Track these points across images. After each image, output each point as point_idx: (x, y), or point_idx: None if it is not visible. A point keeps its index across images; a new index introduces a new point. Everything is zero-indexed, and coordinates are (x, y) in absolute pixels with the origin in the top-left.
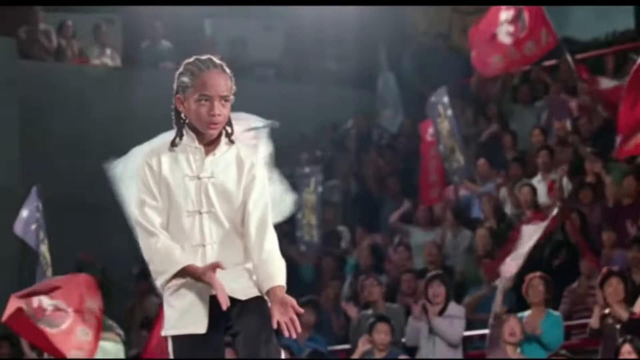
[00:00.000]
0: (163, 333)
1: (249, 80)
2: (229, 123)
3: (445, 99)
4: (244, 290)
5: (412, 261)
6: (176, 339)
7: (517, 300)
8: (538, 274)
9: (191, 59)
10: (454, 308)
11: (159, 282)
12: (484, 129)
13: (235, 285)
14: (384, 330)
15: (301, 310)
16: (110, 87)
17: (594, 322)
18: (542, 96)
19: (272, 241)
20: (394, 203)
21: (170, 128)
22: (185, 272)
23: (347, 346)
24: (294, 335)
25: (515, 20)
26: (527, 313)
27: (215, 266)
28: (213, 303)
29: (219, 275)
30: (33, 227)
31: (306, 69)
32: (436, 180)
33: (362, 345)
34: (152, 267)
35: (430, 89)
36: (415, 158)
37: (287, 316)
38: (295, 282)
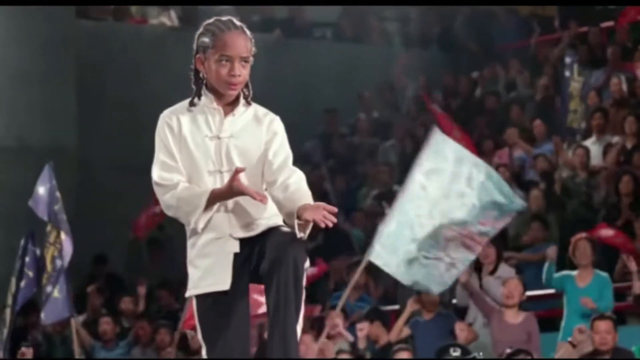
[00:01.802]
0: (187, 294)
1: (307, 41)
2: (247, 85)
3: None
4: (264, 227)
5: None
6: (200, 298)
7: (567, 262)
8: (584, 235)
9: (211, 20)
10: (505, 269)
11: (193, 222)
12: (541, 91)
13: (254, 231)
14: None
15: (334, 208)
16: (168, 47)
17: (636, 288)
18: (600, 58)
19: (297, 180)
20: None
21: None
22: (214, 199)
23: (396, 307)
24: (330, 224)
25: None
26: (574, 273)
27: (236, 173)
28: (236, 261)
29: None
30: (56, 207)
31: (364, 29)
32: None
33: (411, 306)
34: (182, 213)
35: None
36: (470, 116)
37: (319, 214)
38: (346, 247)
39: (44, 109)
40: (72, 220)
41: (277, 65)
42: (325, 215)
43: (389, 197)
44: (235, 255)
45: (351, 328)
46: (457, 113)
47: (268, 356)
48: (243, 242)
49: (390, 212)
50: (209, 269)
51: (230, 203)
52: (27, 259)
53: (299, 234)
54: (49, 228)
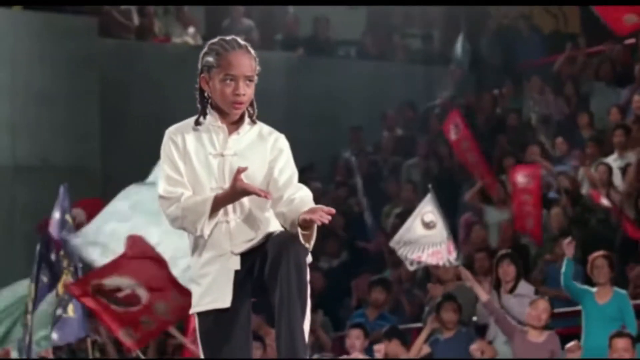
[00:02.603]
0: (190, 311)
1: (331, 59)
2: (252, 104)
3: None
4: (262, 235)
5: (487, 239)
6: (202, 315)
7: (584, 279)
8: (601, 253)
9: (216, 39)
10: (524, 287)
11: (199, 230)
12: (563, 108)
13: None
14: (452, 309)
15: (332, 210)
16: (191, 65)
17: None
18: (623, 74)
19: (303, 195)
20: (473, 182)
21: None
22: (218, 204)
23: (419, 324)
24: (326, 220)
25: None
26: (594, 289)
27: (238, 173)
28: (237, 278)
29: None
30: (63, 232)
31: (388, 47)
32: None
33: (431, 324)
34: (187, 222)
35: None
36: (492, 135)
37: (317, 213)
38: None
39: (68, 129)
40: None
41: (300, 83)
42: (322, 215)
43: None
44: (236, 272)
45: (370, 347)
46: (478, 130)
47: (277, 354)
48: (244, 258)
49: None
50: (210, 287)
51: (231, 220)
52: (42, 264)
53: (305, 245)
54: (62, 252)
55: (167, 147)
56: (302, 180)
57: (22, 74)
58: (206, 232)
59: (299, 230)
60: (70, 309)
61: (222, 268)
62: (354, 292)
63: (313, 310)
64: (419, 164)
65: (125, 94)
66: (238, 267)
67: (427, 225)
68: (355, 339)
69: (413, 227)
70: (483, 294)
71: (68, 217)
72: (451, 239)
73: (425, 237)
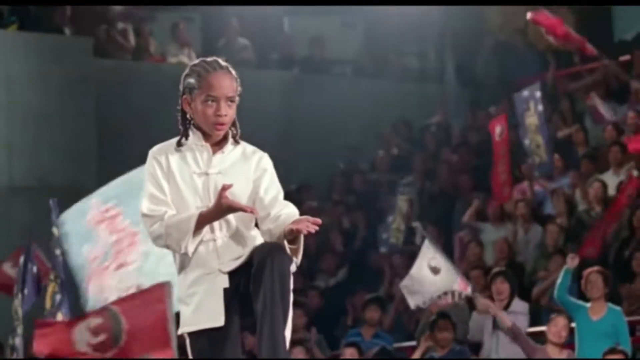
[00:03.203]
0: (180, 331)
1: (326, 78)
2: (234, 124)
3: (538, 94)
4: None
5: (483, 257)
6: (193, 335)
7: (579, 294)
8: (596, 268)
9: (197, 61)
10: (518, 304)
11: (184, 248)
12: (558, 125)
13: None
14: (445, 327)
15: (318, 220)
16: None
17: None
18: (617, 91)
19: (289, 212)
20: (467, 200)
21: (243, 126)
22: (202, 221)
23: (413, 343)
24: (312, 229)
25: None
26: (588, 305)
27: (223, 190)
28: (226, 296)
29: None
30: (57, 252)
31: (384, 66)
32: (506, 180)
33: (425, 342)
34: (171, 240)
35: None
36: (487, 154)
37: (302, 223)
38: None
39: (64, 148)
40: None
41: (296, 102)
42: (308, 225)
43: (408, 233)
44: (225, 290)
45: None
46: (475, 148)
47: None
48: (232, 275)
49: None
50: (200, 306)
51: (217, 239)
52: (26, 277)
53: (292, 259)
54: (50, 265)
55: (151, 166)
56: (298, 198)
57: (18, 94)
58: (190, 250)
59: (287, 244)
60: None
61: (211, 287)
62: (350, 311)
63: (307, 329)
64: (414, 181)
65: (121, 114)
66: (227, 285)
67: (434, 270)
68: (349, 357)
69: (422, 275)
70: (506, 319)
71: (55, 230)
72: (460, 275)
73: (434, 283)
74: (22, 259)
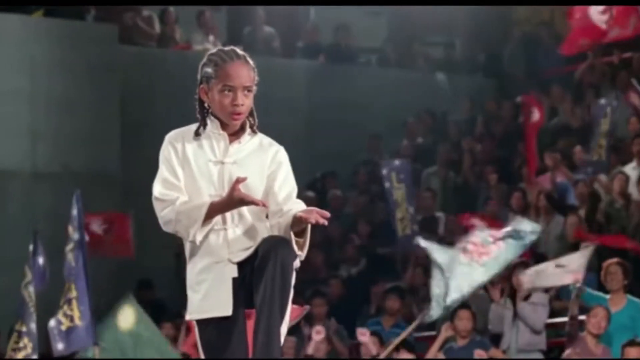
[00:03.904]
0: (187, 317)
1: (351, 66)
2: (252, 114)
3: (615, 103)
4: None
5: None
6: (202, 323)
7: (598, 286)
8: (615, 260)
9: (214, 50)
10: (539, 295)
11: (192, 235)
12: (584, 116)
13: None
14: (466, 317)
15: (327, 213)
16: None
17: None
18: None
19: (300, 208)
20: (490, 190)
21: (268, 114)
22: (213, 211)
23: (433, 332)
24: (321, 221)
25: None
26: (607, 296)
27: (237, 183)
28: (235, 286)
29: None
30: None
31: (409, 55)
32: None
33: (445, 332)
34: (181, 227)
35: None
36: (511, 144)
37: (311, 213)
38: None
39: (88, 135)
40: None
41: (321, 91)
42: (316, 216)
43: (431, 223)
44: (234, 280)
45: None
46: (499, 138)
47: (252, 355)
48: (240, 266)
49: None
50: (208, 294)
51: (229, 229)
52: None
53: (298, 252)
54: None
55: (167, 151)
56: (322, 187)
57: (42, 80)
58: (198, 238)
59: (293, 237)
60: (77, 316)
61: (220, 276)
62: (373, 300)
63: (327, 318)
64: (438, 172)
65: (145, 101)
66: (235, 274)
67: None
68: (370, 345)
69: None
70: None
71: (70, 229)
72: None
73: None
74: (30, 249)
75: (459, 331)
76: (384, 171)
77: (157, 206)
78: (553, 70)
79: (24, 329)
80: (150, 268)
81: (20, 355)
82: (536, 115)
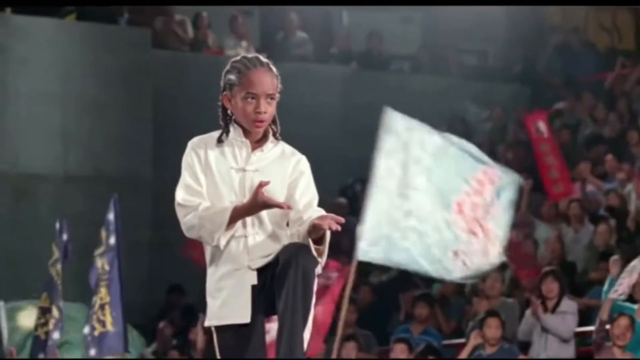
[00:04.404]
0: (206, 323)
1: (384, 73)
2: (275, 121)
3: None
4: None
5: (535, 256)
6: (220, 329)
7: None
8: None
9: (238, 57)
10: (567, 304)
11: (216, 240)
12: (615, 125)
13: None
14: (495, 325)
15: (341, 219)
16: None
17: None
18: None
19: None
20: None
21: (296, 118)
22: (237, 215)
23: (462, 340)
24: (334, 227)
25: None
26: (636, 306)
27: (260, 187)
28: (255, 293)
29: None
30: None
31: (443, 62)
32: (558, 176)
33: (474, 339)
34: (204, 232)
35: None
36: None
37: (326, 220)
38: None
39: (121, 139)
40: (146, 250)
41: (353, 96)
42: (331, 222)
43: None
44: (253, 287)
45: None
46: (530, 146)
47: None
48: (260, 272)
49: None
50: (227, 301)
51: (249, 235)
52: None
53: (318, 260)
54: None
55: (190, 157)
56: (354, 192)
57: (75, 83)
58: (222, 243)
59: (312, 244)
60: (109, 322)
61: (239, 283)
62: (403, 307)
63: (359, 325)
64: None
65: (177, 105)
66: (255, 282)
67: None
68: (399, 353)
69: None
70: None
71: (103, 233)
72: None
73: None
74: (57, 227)
75: (487, 339)
76: None
77: (179, 212)
78: (585, 78)
79: (47, 304)
80: (181, 273)
81: (42, 331)
82: (541, 129)
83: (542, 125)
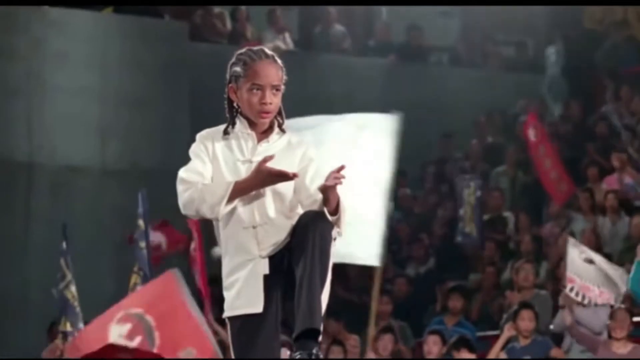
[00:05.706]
0: (223, 315)
1: (423, 65)
2: (280, 113)
3: None
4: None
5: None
6: (233, 320)
7: None
8: None
9: (243, 49)
10: None
11: (218, 211)
12: None
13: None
14: (528, 317)
15: (343, 169)
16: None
17: None
18: None
19: None
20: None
21: (334, 111)
22: (239, 190)
23: (496, 332)
24: (338, 180)
25: None
26: None
27: (264, 161)
28: (267, 282)
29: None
30: (142, 244)
31: (481, 54)
32: (558, 176)
33: (508, 331)
34: (205, 206)
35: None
36: (579, 144)
37: (330, 179)
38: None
39: (158, 133)
40: None
41: (392, 89)
42: (332, 179)
43: (499, 222)
44: (265, 277)
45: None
46: (566, 138)
47: (295, 324)
48: (272, 261)
49: None
50: (240, 292)
51: (257, 226)
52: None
53: (335, 229)
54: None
55: (198, 148)
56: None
57: (112, 77)
58: (222, 214)
59: (328, 216)
60: None
61: (251, 273)
62: (439, 298)
63: (394, 316)
64: (507, 171)
65: (215, 98)
66: (267, 271)
67: (589, 261)
68: (432, 344)
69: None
70: (567, 317)
71: (141, 223)
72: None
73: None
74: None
75: (521, 331)
76: (458, 188)
77: (180, 187)
78: (624, 70)
79: (69, 328)
80: (217, 264)
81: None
82: (534, 133)
83: (533, 129)
